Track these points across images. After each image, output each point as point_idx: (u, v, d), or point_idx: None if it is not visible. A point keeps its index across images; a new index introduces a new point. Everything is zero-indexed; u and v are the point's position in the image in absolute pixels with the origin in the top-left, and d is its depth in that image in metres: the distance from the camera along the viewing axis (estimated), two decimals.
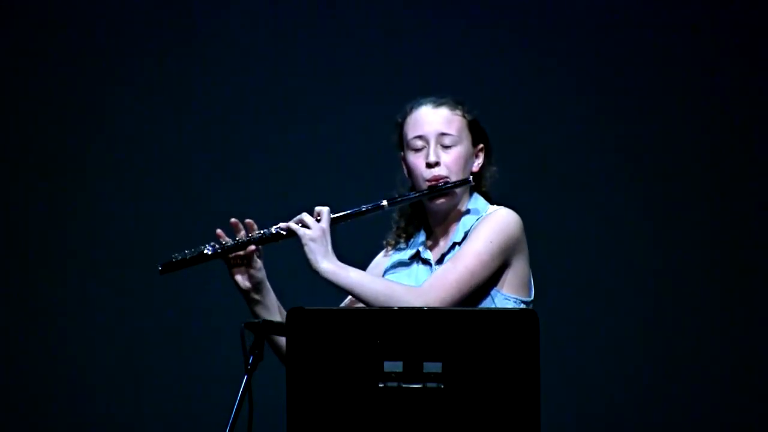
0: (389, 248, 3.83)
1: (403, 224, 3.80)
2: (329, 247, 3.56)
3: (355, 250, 3.75)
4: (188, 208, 5.63)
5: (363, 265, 3.80)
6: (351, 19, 5.68)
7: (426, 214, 3.77)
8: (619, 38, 5.58)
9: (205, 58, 5.68)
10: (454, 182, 3.68)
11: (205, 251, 3.60)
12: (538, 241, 5.45)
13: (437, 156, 3.67)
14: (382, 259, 3.83)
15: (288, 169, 5.63)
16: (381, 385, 2.92)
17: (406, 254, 3.78)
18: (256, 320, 3.40)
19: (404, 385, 2.91)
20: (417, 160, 3.69)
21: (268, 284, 3.65)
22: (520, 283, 3.66)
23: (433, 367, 2.91)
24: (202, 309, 5.56)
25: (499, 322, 2.94)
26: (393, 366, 2.92)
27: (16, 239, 5.69)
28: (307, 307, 2.99)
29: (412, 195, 3.70)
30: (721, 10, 5.55)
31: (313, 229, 3.56)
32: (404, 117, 3.75)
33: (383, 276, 3.76)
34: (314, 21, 5.68)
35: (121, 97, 5.70)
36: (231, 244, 3.60)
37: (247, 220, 3.63)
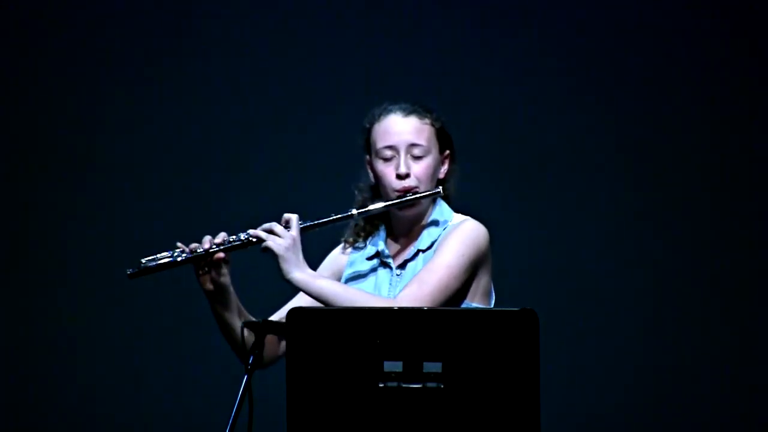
0: (347, 246, 3.84)
1: (362, 223, 3.80)
2: (300, 255, 3.59)
3: (313, 243, 3.75)
4: (178, 206, 5.64)
5: (320, 259, 3.83)
6: (348, 22, 5.68)
7: (387, 216, 3.79)
8: (616, 38, 5.58)
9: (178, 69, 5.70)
10: (424, 193, 3.70)
11: (176, 258, 3.62)
12: (537, 241, 5.50)
13: (408, 167, 3.69)
14: (339, 256, 3.84)
15: (260, 172, 5.63)
16: (381, 385, 2.92)
17: (365, 253, 3.79)
18: (256, 320, 3.41)
19: (404, 385, 2.91)
20: (387, 170, 3.71)
21: (231, 288, 3.65)
22: (484, 293, 3.70)
23: (433, 367, 2.91)
24: (202, 308, 5.53)
25: (499, 322, 2.94)
26: (393, 366, 2.92)
27: (14, 238, 5.68)
28: (306, 307, 2.99)
29: (382, 205, 3.71)
30: (719, 10, 5.55)
31: (285, 238, 3.58)
32: (372, 123, 3.76)
33: (344, 280, 3.77)
34: (290, 28, 5.69)
35: (120, 98, 5.71)
36: (201, 252, 3.61)
37: (220, 234, 3.64)
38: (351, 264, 3.80)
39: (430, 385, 2.91)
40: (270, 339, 3.64)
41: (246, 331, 3.49)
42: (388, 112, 3.74)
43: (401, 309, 3.10)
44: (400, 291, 3.63)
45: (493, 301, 3.73)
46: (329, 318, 2.99)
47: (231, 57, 5.68)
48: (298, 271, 3.57)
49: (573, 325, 5.51)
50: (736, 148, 5.55)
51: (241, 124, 5.67)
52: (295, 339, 2.95)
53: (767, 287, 5.52)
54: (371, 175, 3.77)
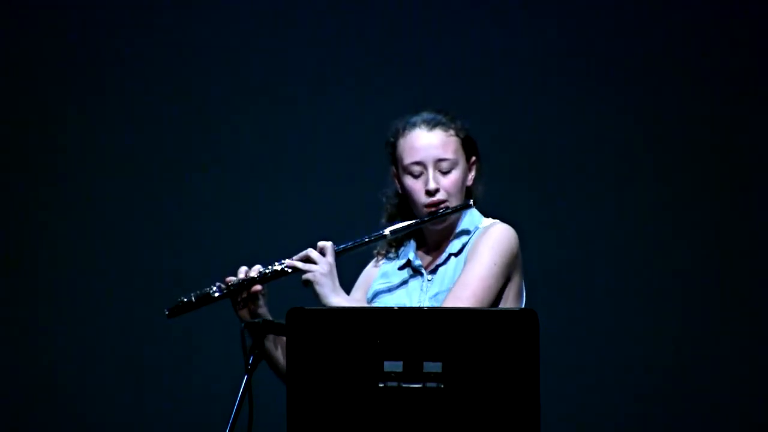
0: (380, 258, 3.84)
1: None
2: (336, 281, 3.60)
3: (344, 257, 3.74)
4: (191, 214, 5.64)
5: (356, 274, 3.84)
6: (351, 29, 5.69)
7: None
8: (617, 40, 5.59)
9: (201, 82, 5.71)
10: (455, 207, 3.69)
11: (212, 293, 3.64)
12: (537, 241, 5.49)
13: (437, 182, 3.67)
14: (372, 270, 3.85)
15: (288, 195, 5.63)
16: (381, 385, 2.92)
17: (396, 264, 3.79)
18: (256, 320, 3.41)
19: (404, 385, 2.91)
20: (416, 186, 3.69)
21: (269, 318, 3.65)
22: (516, 295, 3.68)
23: (433, 367, 2.91)
24: (202, 308, 5.55)
25: (499, 322, 2.94)
26: (393, 366, 2.92)
27: (20, 240, 5.69)
28: (307, 308, 2.99)
29: (414, 222, 3.71)
30: (717, 10, 5.56)
31: (321, 265, 3.60)
32: (396, 137, 3.73)
33: (375, 290, 3.77)
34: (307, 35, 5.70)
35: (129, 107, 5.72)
36: (237, 284, 3.63)
37: (255, 266, 3.65)
38: (384, 275, 3.80)
39: (430, 385, 2.91)
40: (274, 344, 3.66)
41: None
42: (412, 126, 3.71)
43: (401, 309, 3.10)
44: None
45: (524, 301, 3.71)
46: (329, 318, 2.99)
47: (260, 77, 5.69)
48: (335, 297, 3.58)
49: (573, 325, 5.51)
50: (745, 151, 5.55)
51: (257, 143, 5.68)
52: (295, 339, 2.95)
53: None
54: (398, 187, 3.76)
